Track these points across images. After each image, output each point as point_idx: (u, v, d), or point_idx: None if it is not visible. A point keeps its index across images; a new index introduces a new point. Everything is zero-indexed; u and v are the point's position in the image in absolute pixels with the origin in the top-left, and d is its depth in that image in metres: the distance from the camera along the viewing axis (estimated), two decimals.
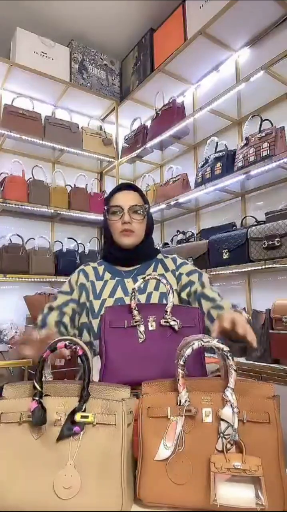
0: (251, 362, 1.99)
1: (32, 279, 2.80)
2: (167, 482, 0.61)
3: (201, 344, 0.64)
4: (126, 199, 1.19)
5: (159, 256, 1.25)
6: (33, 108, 2.95)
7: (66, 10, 2.95)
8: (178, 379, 0.65)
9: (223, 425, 0.62)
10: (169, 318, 0.88)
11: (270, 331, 1.92)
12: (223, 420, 0.62)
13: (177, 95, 2.95)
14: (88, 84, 3.28)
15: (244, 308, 2.33)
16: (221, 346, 0.64)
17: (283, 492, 0.59)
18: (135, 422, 0.66)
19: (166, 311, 0.89)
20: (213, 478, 0.59)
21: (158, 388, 0.68)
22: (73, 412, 0.62)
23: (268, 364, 1.89)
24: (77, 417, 0.62)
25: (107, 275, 1.20)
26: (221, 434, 0.61)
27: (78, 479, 0.59)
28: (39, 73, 2.91)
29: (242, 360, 2.06)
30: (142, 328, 0.89)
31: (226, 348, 0.64)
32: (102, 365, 0.89)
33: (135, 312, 0.90)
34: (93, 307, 1.14)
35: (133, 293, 0.91)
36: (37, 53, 3.02)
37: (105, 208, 1.21)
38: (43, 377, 0.67)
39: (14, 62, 2.87)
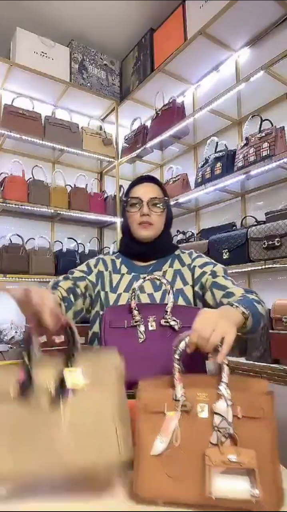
0: (251, 362, 1.99)
1: (32, 279, 2.80)
2: (163, 477, 0.62)
3: None
4: (145, 191, 1.18)
5: (177, 251, 1.24)
6: (33, 108, 2.95)
7: (66, 10, 2.95)
8: (175, 374, 0.67)
9: (217, 419, 0.63)
10: (169, 318, 0.89)
11: (270, 331, 1.92)
12: (217, 414, 0.63)
13: (177, 95, 2.95)
14: (88, 84, 3.28)
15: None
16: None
17: (276, 486, 0.60)
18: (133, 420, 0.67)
19: (166, 311, 0.89)
20: (208, 471, 0.60)
21: (154, 384, 0.69)
22: (63, 378, 0.64)
23: (268, 364, 1.89)
24: (67, 380, 0.63)
25: (124, 269, 1.19)
26: (216, 428, 0.63)
27: (74, 439, 0.61)
28: (39, 73, 2.91)
29: (242, 360, 2.06)
30: (142, 328, 0.89)
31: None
32: None
33: (135, 312, 0.90)
34: (108, 299, 1.13)
35: (133, 293, 0.91)
36: (37, 53, 3.02)
37: (125, 200, 1.20)
38: (31, 351, 0.68)
39: (14, 62, 2.87)
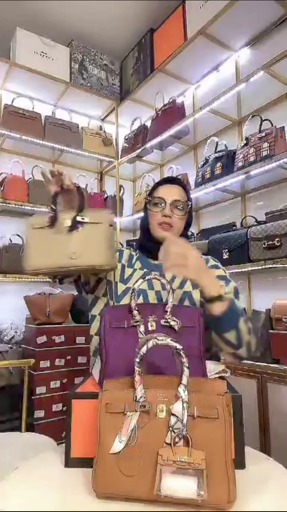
0: (251, 362, 1.99)
1: (32, 279, 2.80)
2: (118, 474, 0.65)
3: (156, 342, 0.68)
4: (169, 193, 1.18)
5: None
6: (33, 108, 2.95)
7: (66, 10, 2.95)
8: (135, 376, 0.69)
9: (173, 420, 0.65)
10: (169, 318, 0.88)
11: (270, 331, 1.93)
12: (173, 415, 0.65)
13: (177, 95, 2.95)
14: (88, 84, 3.28)
15: (244, 309, 2.33)
16: (174, 344, 0.68)
17: (228, 486, 0.62)
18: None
19: (166, 311, 0.89)
20: (159, 470, 0.62)
21: (117, 385, 0.72)
22: (75, 217, 0.98)
23: (268, 364, 1.89)
24: (78, 218, 0.98)
25: (138, 264, 1.19)
26: (171, 428, 0.65)
27: (82, 247, 0.96)
28: (39, 73, 2.92)
29: None
30: (142, 328, 0.89)
31: (179, 346, 0.67)
32: (102, 365, 0.89)
33: (135, 312, 0.90)
34: (117, 289, 1.14)
35: (133, 293, 0.91)
36: (37, 53, 3.02)
37: (147, 199, 1.20)
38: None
39: (14, 62, 2.87)
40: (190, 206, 1.20)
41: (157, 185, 1.23)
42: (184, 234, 1.23)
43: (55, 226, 0.98)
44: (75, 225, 0.98)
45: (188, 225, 1.24)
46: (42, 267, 0.97)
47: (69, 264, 0.96)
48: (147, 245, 1.20)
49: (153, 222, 1.18)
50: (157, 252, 1.16)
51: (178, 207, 1.16)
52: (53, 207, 1.00)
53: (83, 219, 0.98)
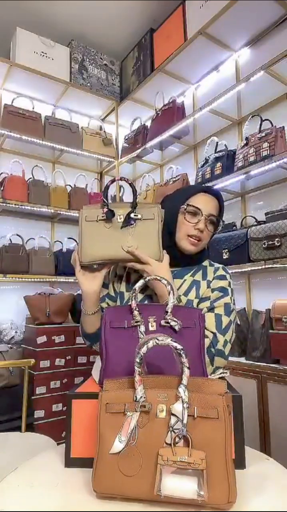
0: (251, 362, 1.99)
1: (32, 279, 2.80)
2: (118, 474, 0.65)
3: (156, 342, 0.67)
4: (208, 206, 1.12)
5: (206, 262, 1.19)
6: (33, 108, 2.95)
7: (66, 10, 2.95)
8: (135, 376, 0.69)
9: (173, 420, 0.65)
10: (169, 319, 0.89)
11: (270, 331, 1.93)
12: (173, 415, 0.65)
13: (177, 95, 2.95)
14: (88, 84, 3.28)
15: (244, 308, 2.33)
16: (175, 344, 0.67)
17: (228, 486, 0.62)
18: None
19: (167, 312, 0.89)
20: (159, 470, 0.62)
21: (117, 385, 0.72)
22: (129, 213, 1.05)
23: (268, 364, 1.89)
24: (131, 215, 1.05)
25: None
26: (171, 428, 0.65)
27: (136, 242, 1.04)
28: (39, 73, 2.92)
29: (242, 360, 2.06)
30: (142, 328, 0.89)
31: (179, 347, 0.67)
32: (103, 365, 0.89)
33: (136, 313, 0.90)
34: (123, 297, 1.16)
35: (134, 293, 0.91)
36: (37, 53, 3.02)
37: (183, 207, 1.13)
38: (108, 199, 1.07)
39: (14, 62, 2.87)
40: (222, 222, 1.17)
41: (196, 191, 1.15)
42: (206, 245, 1.20)
43: (110, 221, 1.04)
44: (129, 221, 1.04)
45: (212, 238, 1.21)
46: (98, 258, 1.03)
47: (126, 256, 1.03)
48: (168, 251, 1.11)
49: (182, 232, 1.12)
50: (176, 259, 1.14)
51: (212, 222, 1.13)
52: (105, 200, 1.07)
53: (136, 215, 1.05)
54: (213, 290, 1.10)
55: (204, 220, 1.11)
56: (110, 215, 1.04)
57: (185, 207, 1.12)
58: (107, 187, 1.08)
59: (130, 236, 1.04)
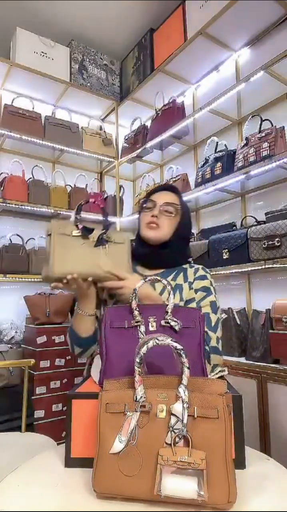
0: (251, 362, 1.99)
1: (32, 279, 2.80)
2: (118, 474, 0.65)
3: (156, 342, 0.67)
4: (162, 197, 1.21)
5: (186, 265, 1.21)
6: (33, 108, 2.95)
7: (66, 10, 2.95)
8: (135, 376, 0.69)
9: (173, 420, 0.65)
10: (169, 319, 0.89)
11: (270, 331, 1.93)
12: (173, 415, 0.65)
13: (177, 95, 2.95)
14: (88, 84, 3.28)
15: (244, 308, 2.33)
16: (175, 344, 0.68)
17: (228, 486, 0.62)
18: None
19: (167, 312, 0.89)
20: (160, 470, 0.62)
21: (117, 385, 0.72)
22: (101, 234, 1.07)
23: (268, 364, 1.89)
24: (103, 237, 1.08)
25: None
26: (171, 428, 0.65)
27: (110, 262, 1.06)
28: (39, 73, 2.91)
29: (242, 360, 2.06)
30: (142, 328, 0.89)
31: (179, 347, 0.67)
32: (103, 365, 0.89)
33: (136, 313, 0.90)
34: (106, 305, 1.16)
35: (134, 293, 0.91)
36: (37, 53, 3.02)
37: (141, 203, 1.24)
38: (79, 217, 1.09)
39: (14, 62, 2.87)
40: (184, 210, 1.21)
41: (153, 191, 1.25)
42: (178, 241, 1.20)
43: (85, 238, 1.06)
44: (102, 241, 1.08)
45: (184, 230, 1.22)
46: (69, 272, 1.01)
47: (101, 274, 1.05)
48: (139, 250, 1.20)
49: (142, 223, 1.20)
50: (148, 257, 1.19)
51: (168, 209, 1.18)
52: (78, 217, 1.08)
53: (108, 238, 1.09)
54: (196, 291, 1.13)
55: (158, 207, 1.18)
56: (86, 233, 1.06)
57: (142, 202, 1.23)
58: (80, 206, 1.10)
59: (104, 256, 1.07)
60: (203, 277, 1.16)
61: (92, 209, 3.08)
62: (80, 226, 1.06)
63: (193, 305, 1.10)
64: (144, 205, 1.22)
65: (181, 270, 1.19)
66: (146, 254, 1.19)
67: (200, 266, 1.21)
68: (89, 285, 1.06)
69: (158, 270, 1.19)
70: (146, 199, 1.23)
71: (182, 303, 1.11)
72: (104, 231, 1.09)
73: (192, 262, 1.25)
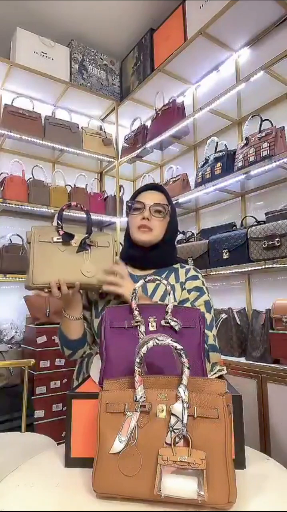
0: (251, 362, 1.99)
1: None
2: (118, 474, 0.65)
3: (156, 342, 0.67)
4: (149, 198, 1.18)
5: (176, 265, 1.21)
6: (33, 108, 2.95)
7: (66, 10, 2.95)
8: (135, 376, 0.69)
9: (173, 420, 0.65)
10: (169, 319, 0.89)
11: (270, 331, 1.93)
12: (173, 415, 0.65)
13: (177, 95, 2.95)
14: (88, 84, 3.28)
15: (244, 308, 2.33)
16: (175, 344, 0.67)
17: (228, 486, 0.62)
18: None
19: (167, 312, 0.89)
20: (159, 470, 0.62)
21: (117, 385, 0.72)
22: (84, 239, 1.05)
23: (268, 364, 1.89)
24: (87, 241, 1.06)
25: None
26: (171, 428, 0.65)
27: (94, 267, 1.05)
28: (39, 73, 2.91)
29: (242, 360, 2.06)
30: (142, 328, 0.89)
31: (179, 347, 0.67)
32: (103, 365, 0.89)
33: (136, 313, 0.90)
34: (97, 305, 1.16)
35: (134, 293, 0.91)
36: (37, 53, 3.02)
37: (128, 205, 1.20)
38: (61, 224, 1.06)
39: (14, 62, 2.87)
40: (172, 211, 1.20)
41: (139, 192, 1.23)
42: (168, 242, 1.21)
43: (66, 244, 1.03)
44: (84, 246, 1.05)
45: (173, 230, 1.23)
46: (48, 282, 0.99)
47: (84, 281, 1.03)
48: (129, 252, 1.20)
49: (133, 226, 1.18)
50: (140, 259, 1.18)
51: (158, 210, 1.16)
52: (60, 222, 1.05)
53: (91, 242, 1.06)
54: (189, 291, 1.13)
55: (148, 209, 1.16)
56: (67, 239, 1.03)
57: (130, 204, 1.20)
58: (61, 211, 1.07)
59: (87, 261, 1.04)
60: (195, 277, 1.17)
61: (91, 209, 3.09)
62: (61, 232, 1.03)
63: (188, 305, 1.11)
64: (133, 207, 1.19)
65: (172, 270, 1.19)
66: (137, 256, 1.18)
67: (191, 267, 1.21)
68: (74, 291, 1.04)
69: (149, 270, 1.19)
70: (133, 200, 1.21)
71: (175, 304, 1.11)
72: (87, 235, 1.06)
73: (191, 262, 1.25)
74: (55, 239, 1.03)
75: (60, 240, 1.03)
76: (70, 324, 1.11)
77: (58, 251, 1.03)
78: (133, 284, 1.06)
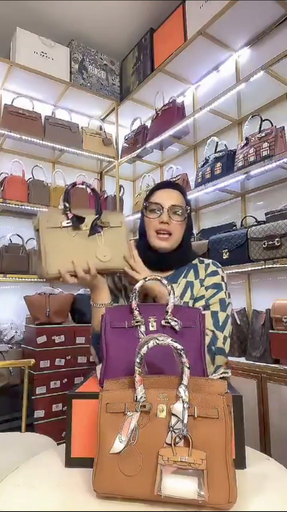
0: (251, 362, 1.99)
1: (32, 279, 2.80)
2: (119, 474, 0.65)
3: (157, 342, 0.67)
4: (167, 198, 1.11)
5: (195, 260, 1.17)
6: (33, 108, 2.95)
7: (66, 10, 2.95)
8: (135, 376, 0.69)
9: (173, 420, 0.65)
10: (170, 319, 0.88)
11: (270, 331, 1.93)
12: (174, 415, 0.65)
13: (177, 95, 2.95)
14: (88, 84, 3.28)
15: (244, 308, 2.33)
16: (175, 344, 0.67)
17: (228, 486, 0.62)
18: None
19: (167, 312, 0.89)
20: (160, 470, 0.62)
21: (117, 385, 0.72)
22: (95, 220, 0.98)
23: (268, 364, 1.89)
24: (98, 222, 1.00)
25: None
26: (171, 428, 0.65)
27: (109, 250, 0.99)
28: (39, 73, 2.91)
29: (242, 360, 2.06)
30: (143, 328, 0.89)
31: (179, 347, 0.67)
32: (103, 365, 0.89)
33: (136, 313, 0.90)
34: (127, 292, 1.18)
35: (134, 293, 0.91)
36: (37, 53, 3.02)
37: (144, 205, 1.14)
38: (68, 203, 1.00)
39: (14, 62, 2.87)
40: (189, 211, 1.15)
41: (154, 190, 1.17)
42: (187, 242, 1.18)
43: (77, 228, 0.96)
44: (96, 228, 0.98)
45: (190, 230, 1.19)
46: (64, 271, 0.94)
47: (101, 266, 0.97)
48: (147, 255, 1.12)
49: (150, 230, 1.12)
50: (158, 263, 1.13)
51: (177, 212, 1.11)
52: (67, 204, 0.97)
53: (103, 223, 0.99)
54: (207, 288, 1.11)
55: (166, 212, 1.10)
56: (77, 222, 0.97)
57: (146, 205, 1.14)
58: (67, 191, 0.99)
59: (101, 244, 0.98)
60: (214, 273, 1.13)
61: (91, 208, 3.09)
62: (70, 215, 0.96)
63: (202, 302, 1.08)
64: (149, 208, 1.13)
65: (191, 267, 1.16)
66: (155, 259, 1.13)
67: (211, 261, 1.17)
68: (92, 277, 0.97)
69: (168, 272, 1.16)
70: (149, 202, 1.14)
71: (192, 301, 1.10)
72: (97, 216, 0.98)
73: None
74: (64, 224, 0.97)
75: (70, 224, 0.96)
76: (96, 314, 1.03)
77: (69, 236, 0.96)
78: (148, 272, 1.05)
